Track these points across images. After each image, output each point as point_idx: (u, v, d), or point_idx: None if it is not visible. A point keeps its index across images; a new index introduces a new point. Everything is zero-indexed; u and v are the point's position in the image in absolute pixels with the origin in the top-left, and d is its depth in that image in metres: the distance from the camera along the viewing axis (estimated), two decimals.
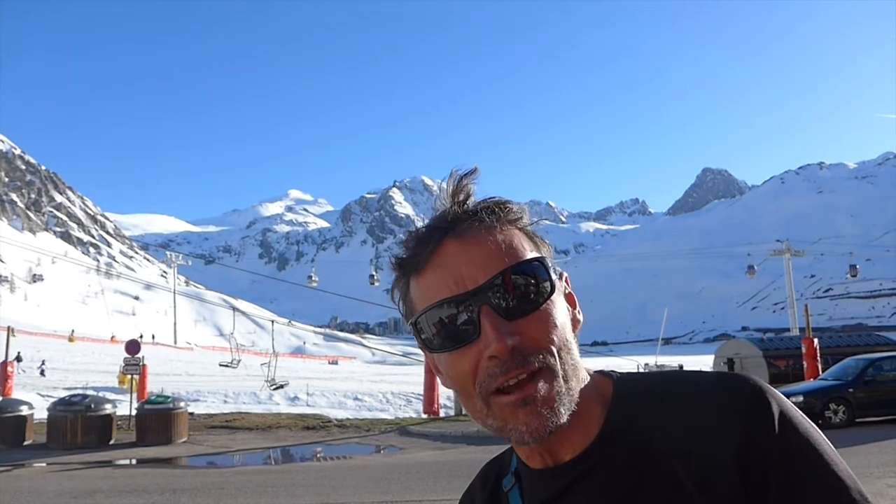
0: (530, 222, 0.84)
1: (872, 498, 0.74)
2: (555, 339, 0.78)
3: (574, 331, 0.83)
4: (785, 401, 0.77)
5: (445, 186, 0.85)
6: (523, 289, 0.78)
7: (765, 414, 0.75)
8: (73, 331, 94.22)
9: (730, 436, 0.74)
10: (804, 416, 0.78)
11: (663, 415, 0.79)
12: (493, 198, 0.84)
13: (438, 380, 0.87)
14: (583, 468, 0.81)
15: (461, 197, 0.84)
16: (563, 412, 0.77)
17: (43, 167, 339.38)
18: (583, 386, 0.82)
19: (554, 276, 0.81)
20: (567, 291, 0.86)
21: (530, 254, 0.81)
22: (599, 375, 0.87)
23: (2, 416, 14.19)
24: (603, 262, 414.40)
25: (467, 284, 0.78)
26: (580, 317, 0.86)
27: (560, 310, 0.81)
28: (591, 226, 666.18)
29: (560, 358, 0.78)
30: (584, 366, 0.84)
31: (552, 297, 0.79)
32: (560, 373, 0.77)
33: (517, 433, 0.77)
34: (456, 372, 0.80)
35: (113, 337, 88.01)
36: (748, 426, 0.75)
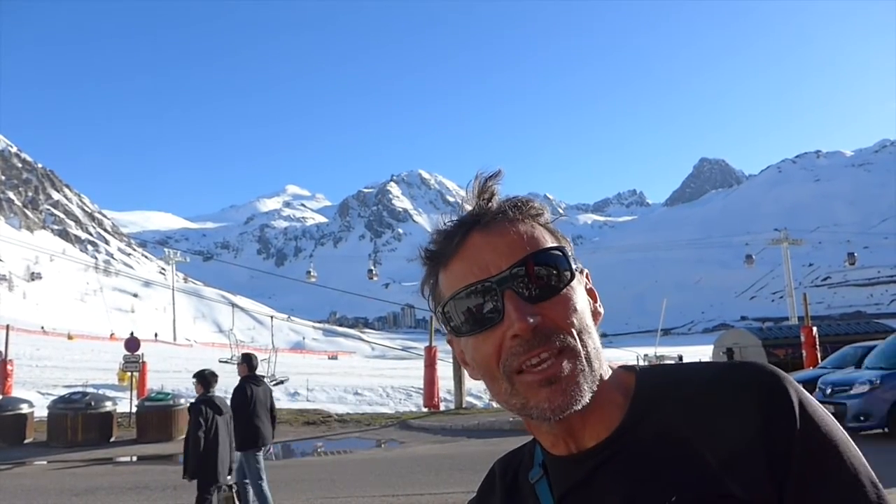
0: (551, 219, 0.90)
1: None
2: (575, 321, 0.81)
3: (595, 322, 0.87)
4: (800, 387, 0.80)
5: (472, 187, 0.90)
6: (544, 275, 0.82)
7: (783, 397, 0.78)
8: (42, 327, 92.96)
9: (750, 417, 0.77)
10: (818, 402, 0.80)
11: (684, 401, 0.82)
12: (516, 196, 0.89)
13: (466, 373, 0.86)
14: (608, 453, 0.83)
15: (486, 196, 0.89)
16: (586, 389, 0.80)
17: (39, 165, 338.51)
18: (605, 377, 0.85)
19: (574, 266, 0.85)
20: (588, 287, 0.90)
21: (551, 244, 0.86)
22: (622, 370, 0.91)
23: (2, 415, 14.18)
24: (601, 253, 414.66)
25: (491, 270, 0.82)
26: (601, 310, 0.91)
27: (580, 297, 0.85)
28: (588, 217, 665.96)
29: (581, 340, 0.81)
30: (606, 360, 0.87)
31: (572, 284, 0.84)
32: (582, 353, 0.81)
33: (539, 410, 0.79)
34: (481, 354, 0.83)
35: (112, 334, 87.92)
36: (768, 408, 0.77)
